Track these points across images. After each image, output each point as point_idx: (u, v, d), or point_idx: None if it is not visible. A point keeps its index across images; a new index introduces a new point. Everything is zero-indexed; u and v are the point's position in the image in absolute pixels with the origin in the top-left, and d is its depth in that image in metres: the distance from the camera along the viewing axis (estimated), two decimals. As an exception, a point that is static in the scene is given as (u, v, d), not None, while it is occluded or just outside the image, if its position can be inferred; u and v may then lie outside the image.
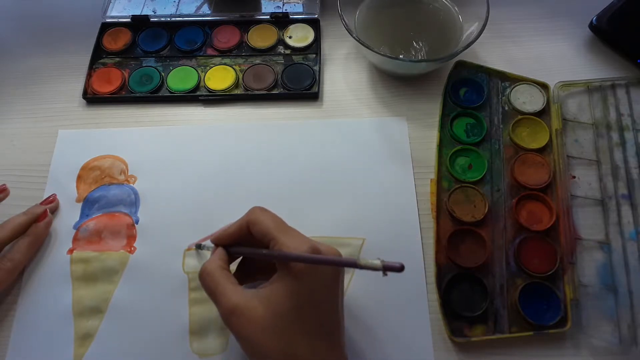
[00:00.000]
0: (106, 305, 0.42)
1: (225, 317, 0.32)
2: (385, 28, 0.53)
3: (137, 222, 0.45)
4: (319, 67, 0.54)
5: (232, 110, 0.52)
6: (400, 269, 0.27)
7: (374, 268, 0.28)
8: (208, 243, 0.39)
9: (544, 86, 0.52)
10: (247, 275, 0.38)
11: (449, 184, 0.47)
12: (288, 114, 0.52)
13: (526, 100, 0.51)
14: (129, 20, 0.58)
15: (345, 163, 0.48)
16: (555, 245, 0.43)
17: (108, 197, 0.47)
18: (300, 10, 0.59)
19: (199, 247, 0.43)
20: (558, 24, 0.58)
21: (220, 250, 0.37)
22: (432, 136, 0.49)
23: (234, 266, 0.39)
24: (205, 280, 0.34)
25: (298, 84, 0.53)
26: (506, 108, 0.51)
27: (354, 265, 0.29)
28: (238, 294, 0.32)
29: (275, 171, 0.48)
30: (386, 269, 0.28)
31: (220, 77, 0.53)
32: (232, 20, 0.58)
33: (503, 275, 0.42)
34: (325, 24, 0.58)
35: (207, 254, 0.42)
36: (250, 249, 0.36)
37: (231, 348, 0.40)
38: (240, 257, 0.39)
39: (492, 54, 0.55)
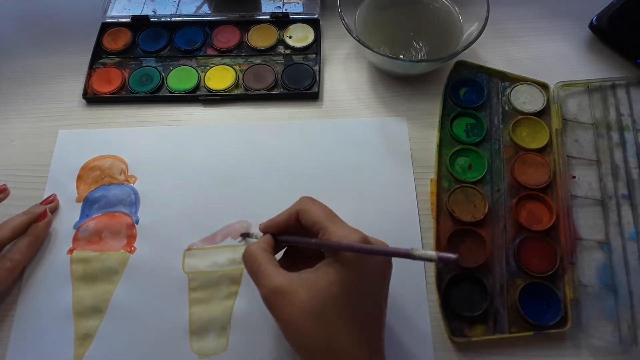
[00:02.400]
0: (106, 305, 0.42)
1: (266, 298, 0.32)
2: (385, 28, 0.53)
3: (137, 222, 0.45)
4: (319, 67, 0.54)
5: (232, 110, 0.52)
6: (455, 260, 0.27)
7: (429, 259, 0.28)
8: (257, 232, 0.38)
9: (544, 86, 0.52)
10: (291, 266, 0.37)
11: (449, 184, 0.47)
12: (288, 114, 0.52)
13: (526, 100, 0.51)
14: (129, 20, 0.58)
15: (345, 163, 0.48)
16: (555, 245, 0.43)
17: (108, 197, 0.47)
18: (300, 10, 0.59)
19: (246, 235, 0.43)
20: (558, 24, 0.58)
21: (267, 236, 0.36)
22: (432, 136, 0.49)
23: (278, 257, 0.38)
24: (248, 261, 0.34)
25: (298, 84, 0.53)
26: (506, 108, 0.51)
27: (408, 256, 0.28)
28: (281, 276, 0.32)
29: (275, 171, 0.48)
30: (442, 260, 0.27)
31: (220, 77, 0.53)
32: (232, 20, 0.58)
33: (503, 275, 0.42)
34: (325, 24, 0.58)
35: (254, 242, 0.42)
36: (299, 238, 0.36)
37: (231, 348, 0.40)
38: (285, 248, 0.39)
39: (492, 54, 0.55)
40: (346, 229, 0.33)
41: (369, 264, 0.32)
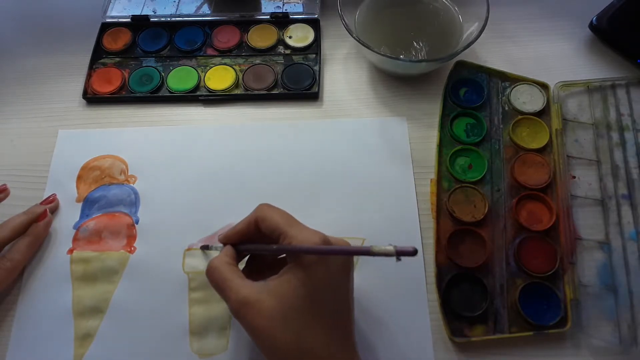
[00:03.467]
0: (106, 305, 0.42)
1: (234, 310, 0.32)
2: (385, 28, 0.53)
3: (137, 222, 0.45)
4: (319, 67, 0.54)
5: (232, 110, 0.52)
6: (413, 252, 0.27)
7: (387, 254, 0.28)
8: (216, 243, 0.39)
9: (544, 86, 0.52)
10: (255, 273, 0.38)
11: (449, 184, 0.47)
12: (288, 114, 0.52)
13: (526, 100, 0.51)
14: (129, 20, 0.58)
15: (345, 163, 0.48)
16: (555, 245, 0.43)
17: (108, 197, 0.47)
18: (300, 10, 0.59)
19: (205, 247, 0.43)
20: (558, 24, 0.58)
21: (228, 247, 0.37)
22: (432, 136, 0.49)
23: (241, 266, 0.39)
24: (212, 276, 0.34)
25: (298, 84, 0.53)
26: (506, 108, 0.51)
27: (367, 253, 0.29)
28: (246, 287, 0.32)
29: (275, 171, 0.48)
30: (399, 253, 0.28)
31: (220, 77, 0.53)
32: (232, 20, 0.58)
33: (503, 275, 0.42)
34: (325, 24, 0.58)
35: (215, 254, 0.42)
36: (260, 245, 0.36)
37: (231, 348, 0.40)
38: (248, 256, 0.39)
39: (492, 54, 0.55)
40: (306, 231, 0.33)
41: (330, 264, 0.32)
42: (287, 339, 0.31)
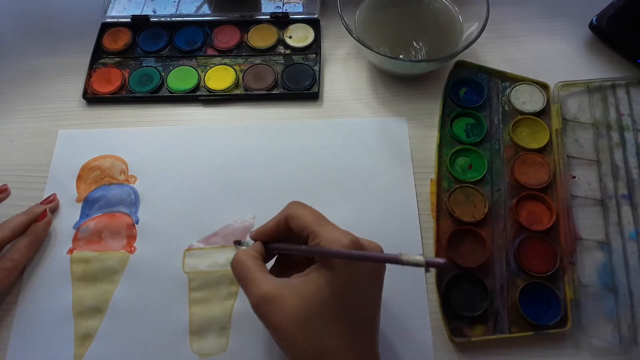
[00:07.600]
0: (106, 305, 0.42)
1: (254, 305, 0.32)
2: (385, 28, 0.53)
3: (137, 222, 0.45)
4: (319, 67, 0.54)
5: (232, 110, 0.52)
6: (444, 264, 0.27)
7: (416, 264, 0.28)
8: (248, 240, 0.38)
9: (544, 86, 0.52)
10: (285, 271, 0.37)
11: (449, 184, 0.47)
12: (288, 114, 0.52)
13: (526, 100, 0.51)
14: (129, 20, 0.58)
15: (345, 163, 0.48)
16: (555, 245, 0.43)
17: (108, 197, 0.47)
18: (300, 10, 0.59)
19: (237, 243, 0.43)
20: (558, 24, 0.58)
21: (257, 243, 0.36)
22: (432, 136, 0.49)
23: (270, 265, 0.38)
24: (236, 268, 0.34)
25: (298, 84, 0.53)
26: (506, 108, 0.51)
27: (396, 261, 0.28)
28: (269, 283, 0.32)
29: (275, 171, 0.48)
30: (429, 265, 0.27)
31: (220, 77, 0.53)
32: (232, 20, 0.58)
33: (503, 275, 0.42)
34: (325, 24, 0.58)
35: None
36: (289, 245, 0.35)
37: (231, 348, 0.40)
38: (276, 256, 0.38)
39: (492, 54, 0.55)
40: (336, 232, 0.32)
41: (359, 268, 0.32)
42: (305, 339, 0.30)
